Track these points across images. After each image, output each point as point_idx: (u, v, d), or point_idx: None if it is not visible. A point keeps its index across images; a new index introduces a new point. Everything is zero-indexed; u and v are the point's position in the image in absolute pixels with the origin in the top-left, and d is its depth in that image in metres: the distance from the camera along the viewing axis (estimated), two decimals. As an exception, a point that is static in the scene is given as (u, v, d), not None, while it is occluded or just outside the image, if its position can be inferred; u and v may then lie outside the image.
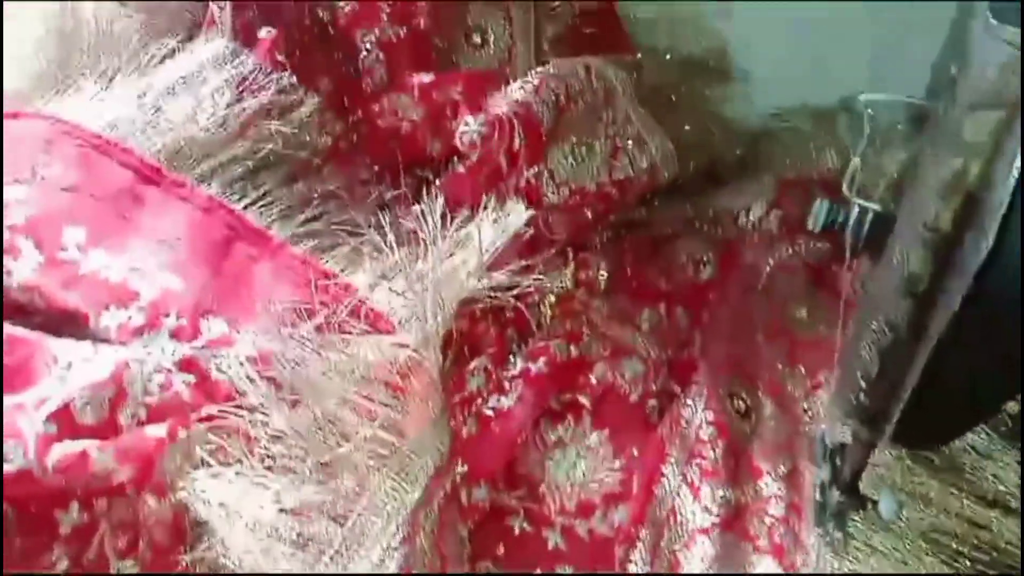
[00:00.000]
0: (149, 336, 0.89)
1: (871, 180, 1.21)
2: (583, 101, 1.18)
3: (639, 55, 1.33)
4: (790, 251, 1.27)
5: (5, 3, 1.10)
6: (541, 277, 1.07)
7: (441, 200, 0.95)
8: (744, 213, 1.33)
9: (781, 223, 1.32)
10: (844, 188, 1.03)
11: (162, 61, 1.12)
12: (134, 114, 1.05)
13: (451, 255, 0.97)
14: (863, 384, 0.88)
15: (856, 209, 0.92)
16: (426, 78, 1.16)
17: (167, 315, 0.91)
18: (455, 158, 1.15)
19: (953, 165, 0.70)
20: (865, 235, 0.91)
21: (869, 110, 0.88)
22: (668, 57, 1.43)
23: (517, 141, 1.12)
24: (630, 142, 1.21)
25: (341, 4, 1.24)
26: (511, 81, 1.25)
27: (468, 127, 1.11)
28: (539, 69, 1.19)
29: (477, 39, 1.30)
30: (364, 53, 1.24)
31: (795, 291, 1.25)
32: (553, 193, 1.15)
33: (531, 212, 0.97)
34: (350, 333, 0.86)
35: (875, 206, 0.89)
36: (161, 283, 0.92)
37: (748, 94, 1.43)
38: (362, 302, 0.88)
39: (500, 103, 1.14)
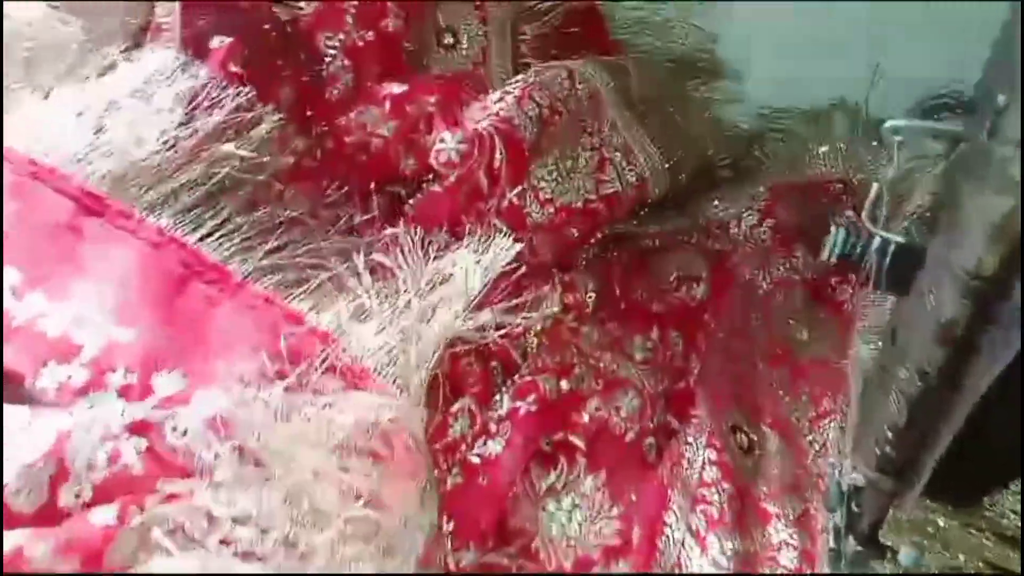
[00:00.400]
0: (94, 396, 0.79)
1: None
2: (567, 110, 1.09)
3: (623, 56, 1.22)
4: (787, 265, 1.18)
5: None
6: (531, 315, 0.98)
7: (420, 232, 0.84)
8: (736, 222, 1.25)
9: (775, 233, 1.24)
10: (865, 217, 0.95)
11: (104, 74, 1.01)
12: (74, 135, 0.93)
13: (431, 290, 0.87)
14: (889, 434, 0.81)
15: (878, 240, 0.85)
16: (397, 88, 1.06)
17: (114, 371, 0.80)
18: (430, 175, 1.05)
19: (1000, 206, 0.62)
20: (887, 268, 0.83)
21: (898, 137, 0.79)
22: (654, 57, 1.33)
23: (498, 158, 1.03)
24: (617, 153, 1.12)
25: (301, 5, 1.12)
26: (487, 86, 1.15)
27: (445, 144, 1.02)
28: (519, 77, 1.10)
29: (448, 39, 1.20)
30: (328, 59, 1.13)
31: (794, 309, 1.17)
32: (537, 212, 1.05)
33: (518, 245, 0.88)
34: (324, 391, 0.76)
35: (899, 238, 0.81)
36: (107, 333, 0.81)
37: (737, 95, 1.33)
38: (337, 353, 0.78)
39: (479, 116, 1.04)
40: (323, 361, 0.77)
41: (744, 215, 1.24)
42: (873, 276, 0.93)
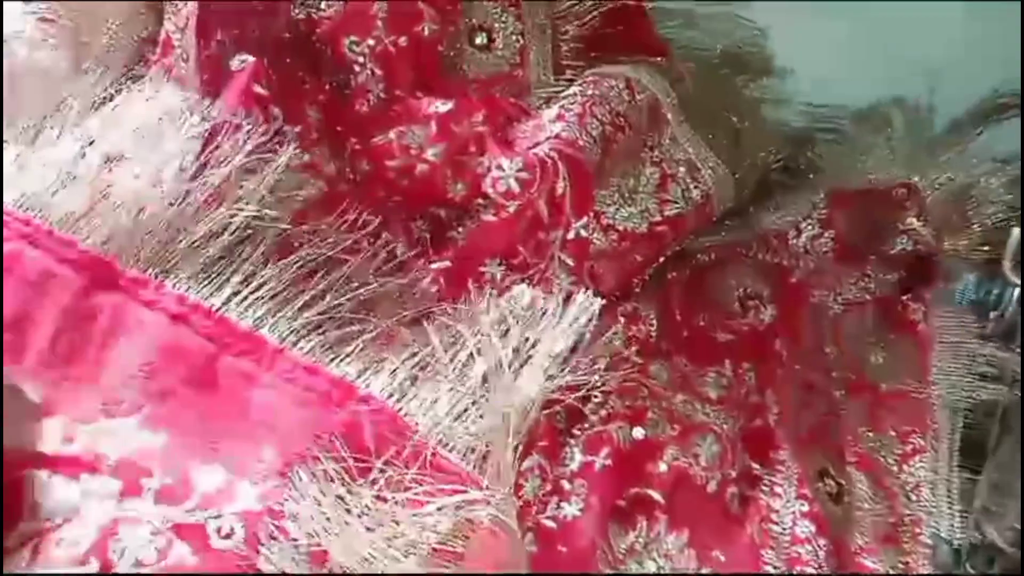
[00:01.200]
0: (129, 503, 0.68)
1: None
2: (628, 125, 0.98)
3: (672, 57, 1.11)
4: (856, 283, 1.09)
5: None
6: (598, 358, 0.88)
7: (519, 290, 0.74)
8: (795, 232, 1.15)
9: (836, 243, 1.14)
10: (1005, 265, 0.87)
11: (99, 106, 0.88)
12: (70, 187, 0.81)
13: (512, 350, 0.77)
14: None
15: (1017, 291, 0.76)
16: (442, 106, 0.95)
17: (149, 475, 0.69)
18: (481, 201, 0.94)
19: None
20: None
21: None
22: (700, 54, 1.22)
23: (561, 185, 0.92)
24: (681, 168, 1.02)
25: (323, 7, 1.00)
26: (528, 91, 1.04)
27: (504, 172, 0.91)
28: (574, 89, 0.99)
29: (481, 39, 1.08)
30: (355, 68, 1.01)
31: (867, 332, 1.08)
32: (599, 239, 0.95)
33: (600, 301, 0.78)
34: (405, 484, 0.66)
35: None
36: (135, 439, 0.70)
37: (786, 93, 1.23)
38: (418, 442, 0.67)
39: (536, 137, 0.93)
40: (405, 452, 0.67)
41: (803, 224, 1.14)
42: (1010, 327, 0.85)
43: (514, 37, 1.10)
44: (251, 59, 0.90)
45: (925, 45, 1.21)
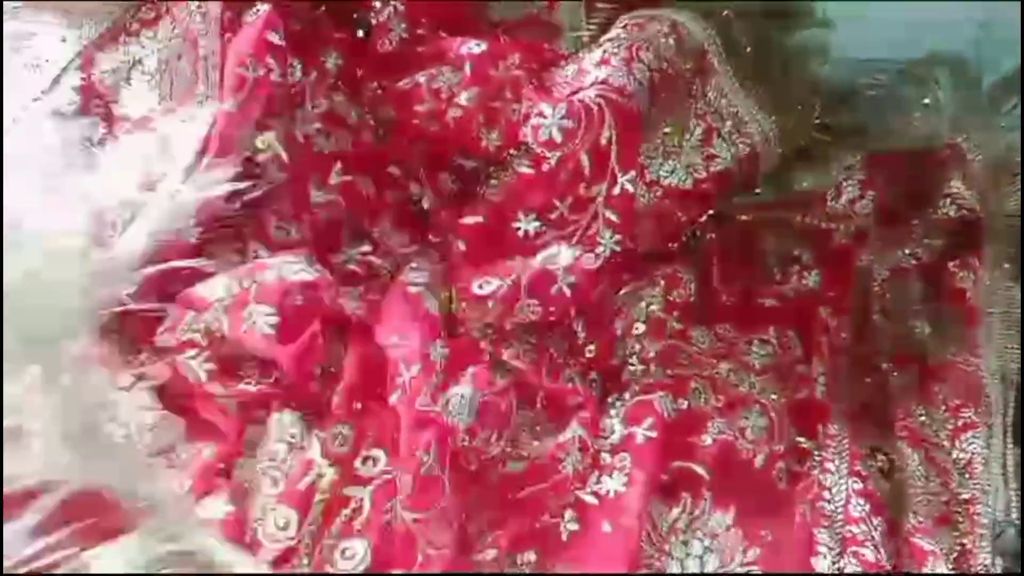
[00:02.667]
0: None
1: None
2: (675, 73, 0.91)
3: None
4: (903, 249, 1.03)
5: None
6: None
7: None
8: (835, 194, 1.08)
9: (877, 207, 1.08)
10: None
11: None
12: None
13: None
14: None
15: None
16: (476, 47, 0.87)
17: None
18: (517, 151, 0.87)
19: None
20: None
21: None
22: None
23: (606, 135, 0.85)
24: (727, 123, 0.95)
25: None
26: (561, 33, 0.96)
27: (545, 120, 0.84)
28: (620, 31, 0.91)
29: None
30: (376, 4, 0.93)
31: (915, 300, 1.02)
32: (643, 195, 0.88)
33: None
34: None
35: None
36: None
37: (826, 45, 1.16)
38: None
39: (582, 82, 0.86)
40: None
41: (844, 186, 1.07)
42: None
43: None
44: (265, 8, 0.82)
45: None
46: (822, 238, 1.06)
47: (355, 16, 0.94)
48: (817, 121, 1.13)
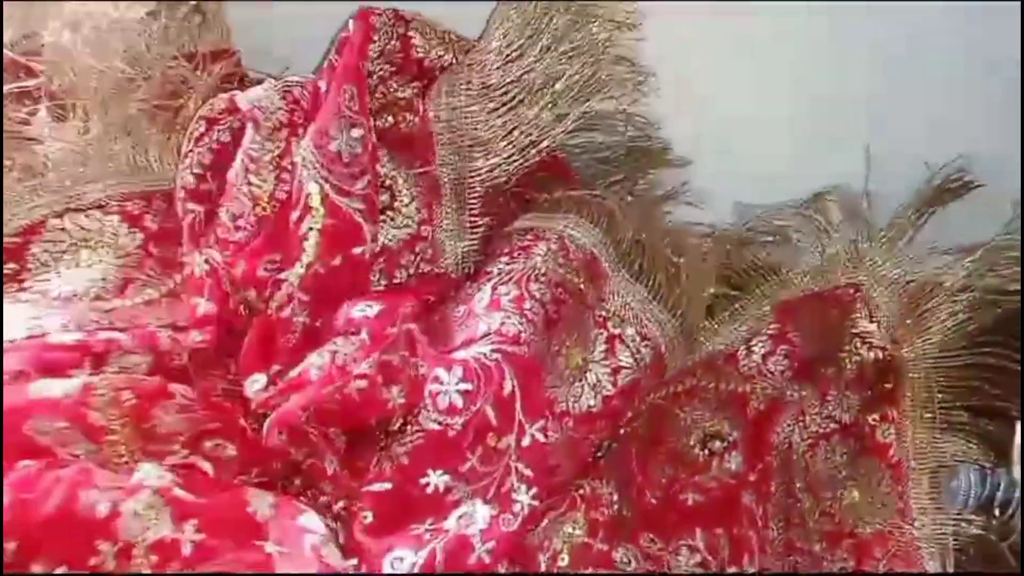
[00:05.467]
0: None
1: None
2: (568, 294, 0.88)
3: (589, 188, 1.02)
4: (821, 413, 1.02)
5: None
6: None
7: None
8: (745, 352, 1.07)
9: (791, 360, 1.07)
10: (1014, 467, 0.80)
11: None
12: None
13: None
14: None
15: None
16: (369, 310, 0.84)
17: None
18: (423, 407, 0.84)
19: None
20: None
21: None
22: (600, 152, 1.13)
23: (508, 385, 0.82)
24: (629, 329, 0.93)
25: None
26: (439, 254, 0.94)
27: (443, 386, 0.80)
28: (504, 263, 0.89)
29: (384, 198, 0.97)
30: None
31: (839, 466, 1.01)
32: (554, 435, 0.86)
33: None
34: None
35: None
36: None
37: (718, 195, 1.15)
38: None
39: (474, 331, 0.84)
40: None
41: (753, 342, 1.06)
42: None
43: (417, 193, 0.99)
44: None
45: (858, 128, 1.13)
46: (739, 405, 1.05)
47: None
48: (718, 268, 1.11)
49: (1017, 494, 0.81)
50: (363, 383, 0.82)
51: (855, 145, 1.13)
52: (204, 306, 0.88)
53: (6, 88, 0.93)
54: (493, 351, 0.82)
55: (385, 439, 0.86)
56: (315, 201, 0.87)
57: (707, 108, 1.12)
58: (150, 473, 0.74)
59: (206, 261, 0.90)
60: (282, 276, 0.88)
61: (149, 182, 0.98)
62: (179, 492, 0.73)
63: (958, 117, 1.10)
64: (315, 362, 0.84)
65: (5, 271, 0.92)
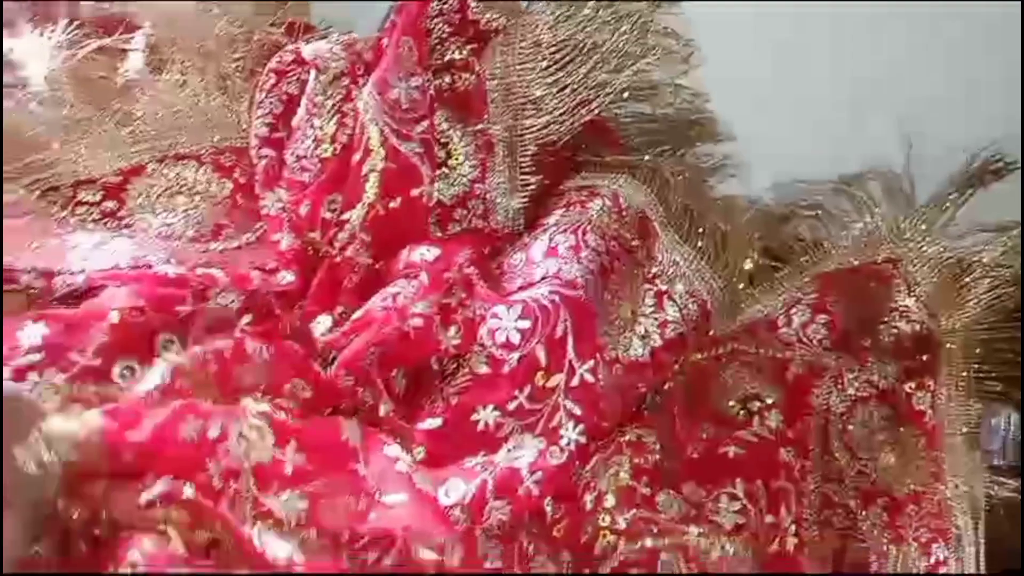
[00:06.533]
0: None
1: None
2: (622, 248, 0.92)
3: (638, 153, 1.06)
4: (859, 377, 1.05)
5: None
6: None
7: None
8: (785, 320, 1.10)
9: (830, 330, 1.10)
10: None
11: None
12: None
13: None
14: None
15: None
16: (428, 254, 0.87)
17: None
18: (476, 348, 0.88)
19: None
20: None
21: None
22: (647, 124, 1.17)
23: (561, 328, 0.85)
24: (678, 285, 0.96)
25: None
26: (492, 209, 0.98)
27: (501, 322, 0.84)
28: (562, 213, 0.92)
29: (440, 154, 1.01)
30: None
31: (876, 429, 1.04)
32: (604, 375, 0.89)
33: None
34: None
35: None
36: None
37: (762, 170, 1.18)
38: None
39: (532, 276, 0.87)
40: None
41: (793, 311, 1.09)
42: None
43: (471, 150, 1.03)
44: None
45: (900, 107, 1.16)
46: (778, 370, 1.08)
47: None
48: (759, 244, 1.15)
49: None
50: (419, 322, 0.86)
51: (894, 126, 1.15)
52: (286, 239, 0.92)
53: (109, 40, 0.97)
54: (551, 292, 0.85)
55: (440, 382, 0.89)
56: (375, 144, 0.91)
57: (746, 88, 1.15)
58: (251, 404, 0.77)
59: (279, 199, 0.93)
60: (345, 217, 0.91)
61: (240, 138, 1.02)
62: (281, 415, 0.76)
63: (997, 99, 1.13)
64: (377, 303, 0.87)
65: (105, 208, 0.96)
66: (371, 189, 0.91)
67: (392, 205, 0.92)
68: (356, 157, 0.93)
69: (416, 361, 0.87)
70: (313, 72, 0.95)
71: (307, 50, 0.96)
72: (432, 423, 0.86)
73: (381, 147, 0.92)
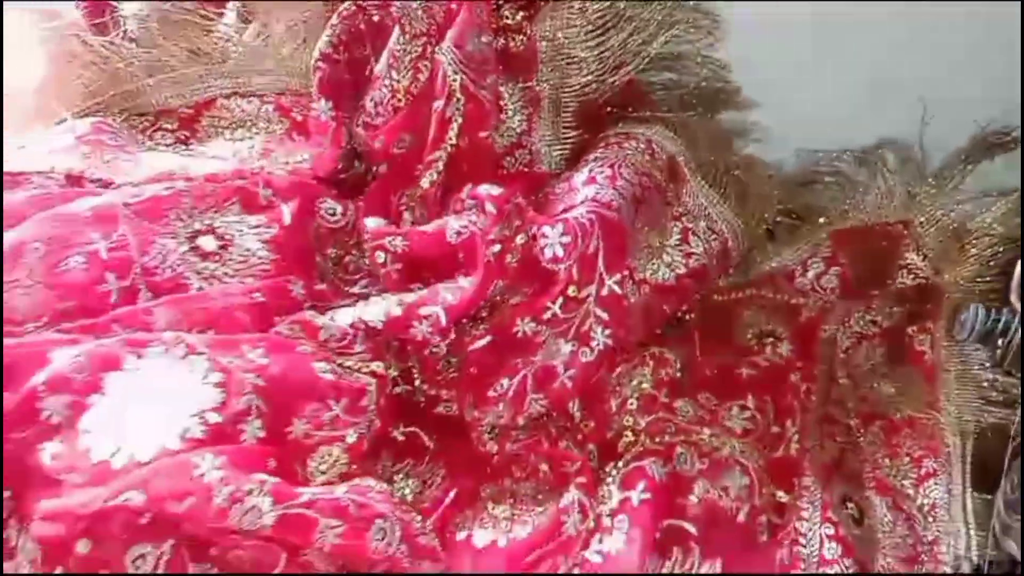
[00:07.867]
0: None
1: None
2: (653, 185, 1.06)
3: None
4: (864, 317, 1.17)
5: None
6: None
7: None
8: (800, 270, 1.23)
9: (841, 281, 1.22)
10: (1013, 297, 0.94)
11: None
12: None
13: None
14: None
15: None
16: (494, 190, 1.02)
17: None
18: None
19: None
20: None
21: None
22: (673, 92, 1.30)
23: (593, 244, 1.00)
24: (701, 223, 1.10)
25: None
26: (539, 159, 1.12)
27: (548, 239, 0.99)
28: (600, 150, 1.07)
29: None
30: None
31: (878, 364, 1.16)
32: (632, 293, 1.03)
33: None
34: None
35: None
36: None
37: (783, 138, 1.31)
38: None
39: (572, 200, 1.02)
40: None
41: (809, 263, 1.22)
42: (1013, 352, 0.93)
43: (521, 107, 1.17)
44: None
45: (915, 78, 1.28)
46: (792, 313, 1.20)
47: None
48: (780, 207, 1.28)
49: (1016, 321, 0.94)
50: (498, 248, 1.00)
51: (911, 99, 1.27)
52: (327, 148, 1.09)
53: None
54: (588, 212, 1.00)
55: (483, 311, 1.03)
56: (457, 90, 1.06)
57: (769, 60, 1.28)
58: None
59: (331, 108, 1.09)
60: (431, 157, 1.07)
61: (305, 83, 1.17)
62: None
63: (1003, 79, 1.25)
64: (453, 225, 1.01)
65: (180, 135, 1.15)
66: (455, 129, 1.06)
67: (463, 145, 1.07)
68: (438, 104, 1.07)
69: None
70: (397, 28, 1.10)
71: (397, 5, 1.12)
72: (481, 343, 1.01)
73: (462, 94, 1.07)
